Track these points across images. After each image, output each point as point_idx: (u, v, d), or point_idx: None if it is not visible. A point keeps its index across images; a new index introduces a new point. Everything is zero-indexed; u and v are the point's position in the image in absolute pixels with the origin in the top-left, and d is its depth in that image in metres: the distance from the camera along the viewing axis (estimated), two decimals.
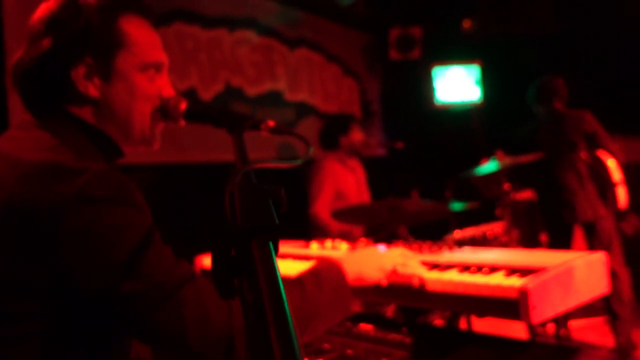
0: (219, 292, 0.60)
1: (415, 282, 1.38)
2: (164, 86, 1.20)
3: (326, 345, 1.62)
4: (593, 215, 3.83)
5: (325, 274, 1.25)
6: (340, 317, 1.25)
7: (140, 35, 1.15)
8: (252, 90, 4.54)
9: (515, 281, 1.23)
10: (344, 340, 1.59)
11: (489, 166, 4.06)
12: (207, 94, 4.12)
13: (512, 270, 1.32)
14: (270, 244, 0.59)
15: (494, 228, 3.92)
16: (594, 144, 3.95)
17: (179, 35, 3.95)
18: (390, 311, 2.06)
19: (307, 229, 3.83)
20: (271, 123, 1.22)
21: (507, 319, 1.24)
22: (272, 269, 0.55)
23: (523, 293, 1.18)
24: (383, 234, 3.45)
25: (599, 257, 1.39)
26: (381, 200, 3.17)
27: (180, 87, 3.87)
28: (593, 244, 3.91)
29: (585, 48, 5.77)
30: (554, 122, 4.12)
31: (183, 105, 1.20)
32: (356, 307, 1.38)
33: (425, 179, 5.82)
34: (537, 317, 1.18)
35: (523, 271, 1.30)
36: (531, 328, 3.41)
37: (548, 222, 4.29)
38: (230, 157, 0.95)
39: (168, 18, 3.88)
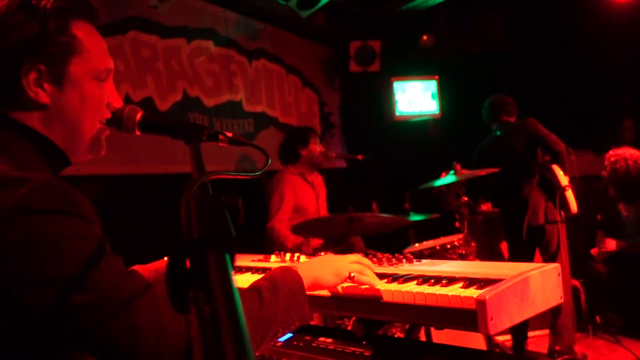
0: (173, 305, 0.57)
1: (386, 296, 1.37)
2: (111, 93, 1.17)
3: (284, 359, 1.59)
4: (544, 221, 3.94)
5: (281, 280, 1.23)
6: (298, 322, 1.23)
7: (91, 42, 1.12)
8: (210, 101, 4.49)
9: (473, 292, 1.24)
10: (303, 355, 1.57)
11: (447, 179, 4.13)
12: (164, 104, 4.05)
13: (470, 282, 1.33)
14: (227, 255, 0.57)
15: (453, 240, 3.97)
16: (542, 150, 4.08)
17: (135, 44, 3.88)
18: (350, 325, 2.04)
19: (264, 242, 3.80)
20: (229, 134, 1.20)
21: (465, 330, 1.24)
22: (227, 280, 0.53)
23: (481, 304, 1.18)
24: (342, 246, 3.45)
25: (553, 268, 1.42)
26: (339, 214, 3.19)
27: (137, 97, 3.80)
28: (542, 250, 4.04)
29: (536, 66, 5.98)
30: (504, 134, 4.26)
31: (139, 115, 1.17)
32: (313, 319, 1.37)
33: (385, 191, 5.88)
34: (494, 327, 1.19)
35: (481, 282, 1.31)
36: (489, 340, 3.45)
37: (507, 231, 4.38)
38: (188, 168, 0.93)
39: (124, 26, 3.80)
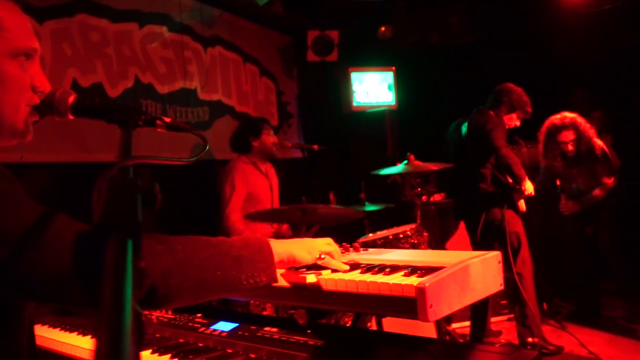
0: (81, 293, 0.55)
1: (329, 284, 1.37)
2: (36, 75, 1.12)
3: (229, 350, 1.57)
4: (500, 216, 3.93)
5: (247, 238, 1.26)
6: (265, 278, 1.23)
7: (12, 20, 1.06)
8: (163, 88, 4.39)
9: (414, 280, 1.25)
10: (247, 344, 1.55)
11: (397, 168, 4.17)
12: (114, 90, 3.93)
13: (412, 270, 1.33)
14: (131, 242, 0.55)
15: (406, 230, 4.01)
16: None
17: (83, 28, 3.75)
18: (298, 314, 2.04)
19: (218, 232, 3.76)
20: (167, 119, 1.17)
21: (406, 317, 1.25)
22: (121, 269, 0.51)
23: (420, 291, 1.19)
24: (295, 237, 3.44)
25: (494, 256, 1.44)
26: (292, 205, 3.19)
27: (85, 83, 3.67)
28: (503, 244, 3.97)
29: (493, 59, 6.08)
30: (468, 131, 4.19)
31: (71, 99, 1.12)
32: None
33: (342, 181, 5.90)
34: (433, 315, 1.20)
35: (422, 271, 1.32)
36: (439, 328, 3.51)
37: (467, 226, 4.33)
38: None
39: (71, 8, 3.66)
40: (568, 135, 4.31)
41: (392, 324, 2.89)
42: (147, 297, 1.02)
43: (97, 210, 0.58)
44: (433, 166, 4.09)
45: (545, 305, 4.66)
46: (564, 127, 4.33)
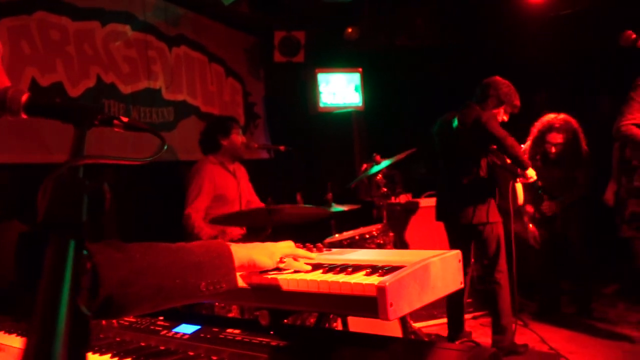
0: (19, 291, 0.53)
1: (291, 285, 1.37)
2: None
3: (191, 353, 1.55)
4: (485, 219, 3.81)
5: (206, 243, 1.24)
6: (225, 285, 1.22)
7: None
8: (126, 88, 4.31)
9: (375, 279, 1.25)
10: (209, 347, 1.53)
11: (375, 169, 4.20)
12: (75, 90, 3.84)
13: (373, 270, 1.34)
14: (73, 242, 0.53)
15: (372, 230, 4.04)
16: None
17: (43, 25, 3.65)
18: (261, 315, 2.03)
19: (184, 233, 3.72)
20: (124, 119, 1.15)
21: (367, 316, 1.25)
22: (59, 270, 0.49)
23: (381, 290, 1.20)
24: (261, 237, 3.43)
25: (454, 255, 1.46)
26: (258, 208, 3.18)
27: (45, 82, 3.58)
28: (482, 249, 3.93)
29: (459, 61, 6.18)
30: (460, 125, 3.97)
31: (24, 97, 1.09)
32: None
33: (309, 182, 5.90)
34: (394, 313, 1.20)
35: (384, 270, 1.33)
36: (405, 327, 3.54)
37: (447, 226, 4.19)
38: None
39: (30, 5, 3.56)
40: (556, 138, 4.34)
41: (359, 324, 2.90)
42: (103, 307, 1.00)
43: (41, 211, 0.56)
44: (400, 155, 4.01)
45: None
46: (554, 128, 4.35)
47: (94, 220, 0.59)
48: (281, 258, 1.38)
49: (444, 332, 4.31)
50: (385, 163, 4.00)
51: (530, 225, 4.53)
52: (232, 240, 3.72)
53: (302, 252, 1.46)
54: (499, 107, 3.90)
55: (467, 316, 4.66)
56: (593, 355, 3.80)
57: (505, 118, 3.96)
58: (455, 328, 4.09)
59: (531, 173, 3.77)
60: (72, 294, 0.48)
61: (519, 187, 3.93)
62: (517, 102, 3.94)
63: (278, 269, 1.42)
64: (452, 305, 4.11)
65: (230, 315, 3.13)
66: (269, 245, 1.40)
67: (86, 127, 0.99)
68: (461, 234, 3.95)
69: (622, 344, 3.96)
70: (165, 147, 1.10)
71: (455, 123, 3.92)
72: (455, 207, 3.93)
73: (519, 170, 3.79)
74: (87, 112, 1.04)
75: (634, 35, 2.64)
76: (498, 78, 3.99)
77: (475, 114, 3.80)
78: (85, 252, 0.54)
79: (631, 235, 4.66)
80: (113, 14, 4.26)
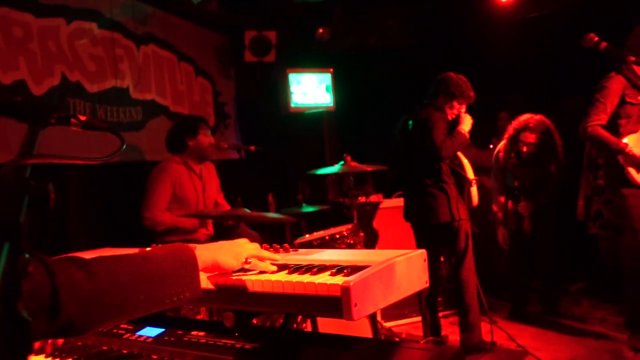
0: None
1: (255, 286, 1.35)
2: None
3: (154, 356, 1.53)
4: (450, 218, 3.81)
5: (172, 249, 1.21)
6: (188, 293, 1.19)
7: None
8: (93, 87, 4.22)
9: (339, 279, 1.25)
10: (173, 350, 1.51)
11: (332, 168, 4.20)
12: (39, 88, 3.75)
13: (338, 270, 1.34)
14: (7, 244, 0.51)
15: (342, 230, 4.04)
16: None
17: (5, 22, 3.55)
18: (226, 317, 2.01)
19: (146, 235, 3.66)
20: (82, 117, 1.12)
21: (332, 317, 1.25)
22: None
23: (345, 290, 1.19)
24: (229, 239, 3.40)
25: (419, 254, 1.46)
26: (226, 212, 3.16)
27: (7, 80, 3.47)
28: (449, 247, 3.92)
29: (430, 63, 6.23)
30: (414, 127, 4.01)
31: None
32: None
33: (280, 182, 5.88)
34: (358, 313, 1.20)
35: (349, 270, 1.32)
36: (374, 326, 3.55)
37: (414, 226, 4.19)
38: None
39: None
40: (529, 137, 4.39)
41: (329, 325, 2.90)
42: (64, 329, 0.97)
43: None
44: (368, 167, 4.12)
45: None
46: (528, 128, 4.41)
47: (36, 221, 0.57)
48: (247, 258, 1.36)
49: (415, 331, 4.34)
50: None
51: (500, 226, 4.59)
52: (199, 242, 3.68)
53: (267, 253, 1.44)
54: (450, 100, 3.92)
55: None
56: (559, 351, 3.88)
57: (463, 110, 3.97)
58: (432, 329, 4.10)
59: (470, 175, 3.86)
60: (8, 297, 0.46)
61: (473, 190, 3.95)
62: (471, 93, 3.95)
63: (243, 270, 1.40)
64: (426, 306, 4.11)
65: (198, 317, 3.08)
66: (234, 245, 1.38)
67: (40, 125, 0.96)
68: (428, 233, 3.95)
69: (587, 341, 4.04)
70: (124, 147, 1.08)
71: (411, 124, 3.97)
72: (420, 207, 3.94)
73: (465, 173, 3.86)
74: (42, 111, 1.01)
75: (596, 38, 2.70)
76: (449, 73, 4.01)
77: (425, 115, 3.83)
78: (27, 255, 0.52)
79: (596, 233, 4.78)
80: (78, 11, 4.17)
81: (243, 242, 1.41)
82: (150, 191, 3.69)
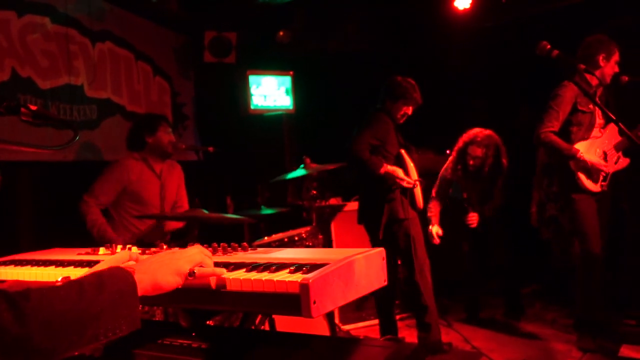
0: None
1: (213, 284, 1.31)
2: None
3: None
4: (403, 216, 3.87)
5: (109, 276, 1.12)
6: (125, 327, 1.11)
7: None
8: (45, 83, 4.08)
9: (298, 277, 1.24)
10: (129, 351, 1.47)
11: (296, 172, 4.18)
12: None
13: (297, 268, 1.33)
14: None
15: (301, 232, 4.03)
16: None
17: None
18: (182, 316, 1.97)
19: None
20: (33, 107, 1.08)
21: (291, 314, 1.23)
22: None
23: (304, 287, 1.18)
24: (183, 241, 3.34)
25: (378, 252, 1.47)
26: (183, 215, 3.10)
27: None
28: (394, 247, 3.92)
29: (390, 67, 6.29)
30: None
31: None
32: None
33: (239, 184, 5.82)
34: (317, 311, 1.19)
35: (308, 267, 1.31)
36: (332, 327, 3.55)
37: (366, 228, 4.21)
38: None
39: None
40: (476, 151, 4.42)
41: (287, 325, 2.88)
42: None
43: None
44: (330, 166, 4.12)
45: None
46: (475, 142, 4.42)
47: None
48: (190, 270, 1.28)
49: (373, 334, 4.36)
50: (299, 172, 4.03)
51: (431, 226, 4.53)
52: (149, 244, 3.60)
53: (208, 260, 1.34)
54: (396, 102, 4.01)
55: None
56: (512, 352, 3.96)
57: (409, 112, 4.05)
58: (389, 330, 4.13)
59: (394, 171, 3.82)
60: None
61: (417, 191, 4.00)
62: (416, 95, 4.02)
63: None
64: (382, 307, 4.16)
65: (154, 319, 3.01)
66: (175, 259, 1.28)
67: None
68: (376, 235, 3.97)
69: (539, 342, 4.15)
70: (77, 138, 1.04)
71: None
72: (368, 208, 4.04)
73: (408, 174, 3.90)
74: None
75: (548, 46, 2.78)
76: (396, 77, 4.09)
77: (361, 123, 3.92)
78: None
79: (549, 237, 4.91)
80: (31, 4, 4.03)
81: (183, 251, 1.32)
82: (97, 181, 3.61)
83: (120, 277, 1.14)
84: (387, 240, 3.93)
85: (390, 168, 3.81)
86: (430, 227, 4.34)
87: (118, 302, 1.09)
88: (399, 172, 3.83)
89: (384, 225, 3.91)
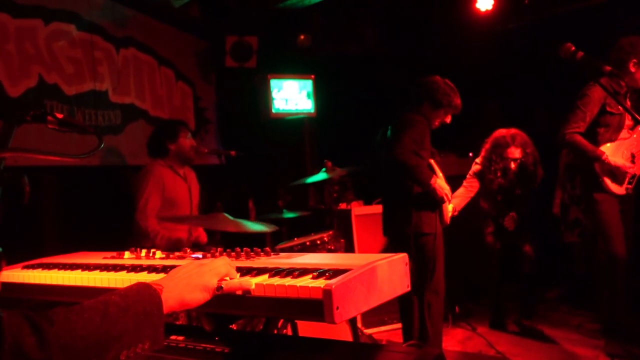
0: None
1: (240, 291, 1.30)
2: None
3: None
4: (431, 230, 3.58)
5: (134, 296, 1.13)
6: (148, 346, 1.13)
7: None
8: (70, 89, 4.15)
9: (321, 282, 1.24)
10: (152, 355, 1.48)
11: (317, 176, 4.19)
12: (15, 90, 3.67)
13: (320, 273, 1.33)
14: None
15: (323, 236, 4.03)
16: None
17: None
18: (205, 321, 1.99)
19: (130, 238, 3.61)
20: (59, 115, 1.10)
21: (313, 320, 1.23)
22: None
23: (327, 293, 1.18)
24: (208, 246, 3.37)
25: (401, 258, 1.46)
26: (209, 213, 3.13)
27: None
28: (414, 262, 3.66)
29: (410, 69, 6.26)
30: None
31: None
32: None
33: (260, 188, 5.85)
34: (340, 316, 1.19)
35: (331, 273, 1.31)
36: (355, 332, 3.53)
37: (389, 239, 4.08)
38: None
39: None
40: (514, 153, 4.30)
41: (309, 330, 2.88)
42: None
43: None
44: (351, 169, 4.09)
45: (457, 308, 4.83)
46: (512, 143, 4.30)
47: (10, 211, 0.55)
48: (218, 283, 1.28)
49: (396, 338, 4.33)
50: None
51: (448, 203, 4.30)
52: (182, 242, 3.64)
53: (233, 272, 1.35)
54: (436, 109, 3.63)
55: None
56: (537, 358, 3.90)
57: (448, 120, 3.73)
58: (411, 335, 4.05)
59: (440, 184, 3.49)
60: None
61: (446, 206, 3.65)
62: (458, 102, 3.68)
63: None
64: (406, 312, 4.01)
65: (178, 322, 3.04)
66: (201, 274, 1.28)
67: (15, 121, 0.94)
68: (398, 245, 3.69)
69: (564, 347, 4.08)
70: (102, 146, 1.05)
71: (389, 133, 3.67)
72: (391, 218, 3.75)
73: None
74: (17, 106, 0.99)
75: (573, 48, 2.73)
76: (436, 78, 3.70)
77: (401, 122, 3.54)
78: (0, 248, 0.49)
79: (573, 241, 4.84)
80: (56, 12, 4.11)
81: (210, 264, 1.32)
82: (139, 196, 3.64)
83: (145, 296, 1.15)
84: (411, 253, 3.71)
85: (438, 182, 3.48)
86: (446, 203, 3.69)
87: (142, 323, 1.11)
88: (446, 188, 3.52)
89: (401, 235, 3.61)
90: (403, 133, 3.45)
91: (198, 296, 1.24)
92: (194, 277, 1.26)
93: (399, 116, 3.64)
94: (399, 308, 4.15)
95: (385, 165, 3.74)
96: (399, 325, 4.28)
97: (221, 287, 1.28)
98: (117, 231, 3.80)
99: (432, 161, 3.69)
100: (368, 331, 4.55)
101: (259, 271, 1.42)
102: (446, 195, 3.53)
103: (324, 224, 4.72)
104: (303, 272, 1.36)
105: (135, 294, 1.14)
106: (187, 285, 1.24)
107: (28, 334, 0.93)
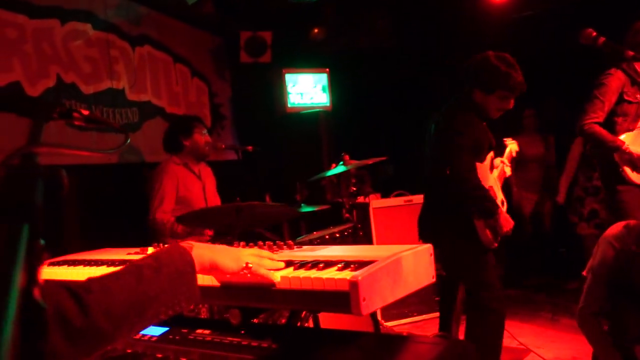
0: None
1: (269, 280, 1.31)
2: None
3: (159, 355, 1.50)
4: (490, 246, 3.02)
5: (166, 258, 1.16)
6: (185, 303, 1.16)
7: None
8: (88, 88, 4.20)
9: (347, 274, 1.23)
10: (178, 348, 1.49)
11: (336, 169, 4.17)
12: (34, 90, 3.72)
13: (345, 265, 1.32)
14: (27, 226, 0.49)
15: (342, 230, 4.02)
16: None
17: None
18: (231, 314, 1.99)
19: (147, 235, 3.64)
20: (85, 112, 1.11)
21: (340, 312, 1.23)
22: (11, 255, 0.46)
23: (353, 285, 1.18)
24: (229, 238, 3.37)
25: (426, 249, 1.45)
26: (226, 204, 3.11)
27: (1, 81, 3.45)
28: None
29: (424, 62, 6.23)
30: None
31: None
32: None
33: (277, 183, 5.86)
34: (366, 308, 1.18)
35: (356, 264, 1.31)
36: (376, 324, 3.52)
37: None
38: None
39: None
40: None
41: (330, 322, 2.88)
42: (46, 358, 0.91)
43: None
44: (369, 161, 4.05)
45: None
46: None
47: (50, 205, 0.55)
48: (247, 264, 1.30)
49: (416, 330, 4.32)
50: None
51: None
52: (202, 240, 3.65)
53: (266, 252, 1.38)
54: (490, 94, 2.96)
55: (436, 314, 4.65)
56: (561, 349, 3.87)
57: (510, 106, 3.02)
58: (445, 326, 3.93)
59: (505, 223, 2.88)
60: (26, 280, 0.44)
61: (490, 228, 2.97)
62: (513, 81, 2.93)
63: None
64: (445, 303, 3.67)
65: (200, 317, 3.06)
66: (234, 249, 1.33)
67: (43, 119, 0.95)
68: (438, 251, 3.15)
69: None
70: (128, 141, 1.06)
71: (433, 128, 3.13)
72: (426, 222, 3.26)
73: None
74: (45, 105, 1.00)
75: (594, 34, 2.68)
76: (488, 54, 3.03)
77: (449, 122, 2.97)
78: (42, 241, 0.50)
79: (590, 233, 4.78)
80: (72, 12, 4.14)
81: (241, 248, 1.37)
82: (154, 193, 3.66)
83: (176, 256, 1.18)
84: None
85: (504, 214, 2.93)
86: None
87: (176, 281, 1.14)
88: (510, 222, 2.94)
89: (445, 244, 3.01)
90: (457, 141, 2.83)
91: (229, 263, 1.27)
92: (226, 249, 1.31)
93: (446, 110, 3.07)
94: (439, 298, 3.81)
95: (430, 164, 3.16)
96: (420, 317, 4.27)
97: (250, 267, 1.29)
98: (137, 228, 3.84)
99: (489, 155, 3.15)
100: (388, 324, 4.55)
101: (285, 264, 1.42)
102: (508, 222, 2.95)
103: (342, 217, 4.71)
104: (328, 264, 1.36)
105: (166, 255, 1.17)
106: (221, 250, 1.28)
107: (70, 302, 0.96)
